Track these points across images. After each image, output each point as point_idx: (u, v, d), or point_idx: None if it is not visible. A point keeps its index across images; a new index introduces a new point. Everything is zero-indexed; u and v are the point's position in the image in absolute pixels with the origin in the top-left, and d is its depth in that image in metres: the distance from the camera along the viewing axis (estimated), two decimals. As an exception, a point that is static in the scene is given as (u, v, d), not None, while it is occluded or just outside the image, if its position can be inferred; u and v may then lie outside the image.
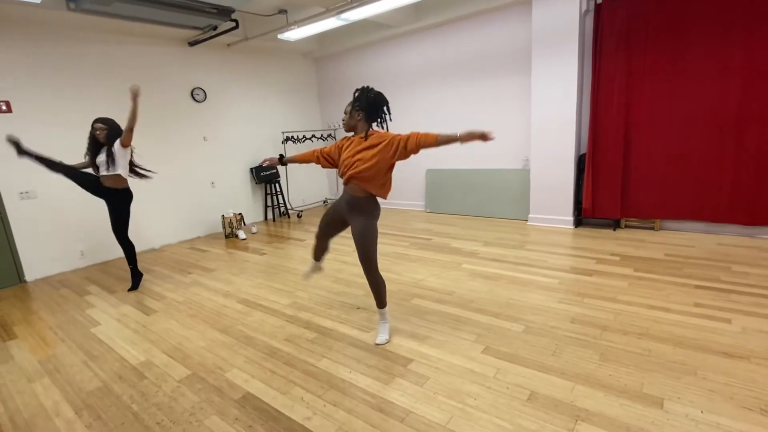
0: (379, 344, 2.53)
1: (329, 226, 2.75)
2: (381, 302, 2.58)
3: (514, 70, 5.15)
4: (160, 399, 2.15)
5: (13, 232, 4.21)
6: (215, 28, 4.91)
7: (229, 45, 5.90)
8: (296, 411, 1.97)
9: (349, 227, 2.59)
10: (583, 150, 4.80)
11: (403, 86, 6.29)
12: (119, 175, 3.63)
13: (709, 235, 4.23)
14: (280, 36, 5.22)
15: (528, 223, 5.18)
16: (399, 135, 2.33)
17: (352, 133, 2.50)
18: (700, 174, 4.12)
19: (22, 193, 4.25)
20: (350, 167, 2.40)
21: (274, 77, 6.72)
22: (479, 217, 5.75)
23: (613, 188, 4.55)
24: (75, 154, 4.58)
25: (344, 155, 2.46)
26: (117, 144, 3.58)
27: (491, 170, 5.63)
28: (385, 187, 2.49)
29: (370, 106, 2.36)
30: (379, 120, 2.42)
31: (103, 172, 3.61)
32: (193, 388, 2.22)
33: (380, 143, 2.34)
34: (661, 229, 4.54)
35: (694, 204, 4.22)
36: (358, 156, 2.38)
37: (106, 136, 3.58)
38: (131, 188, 3.79)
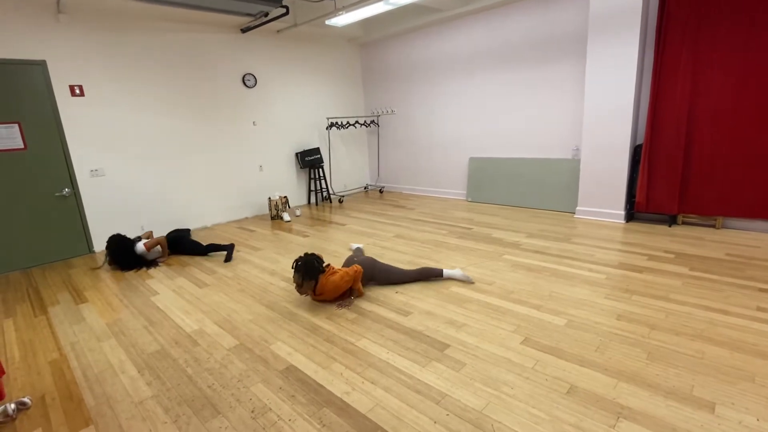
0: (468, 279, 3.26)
1: None
2: (436, 274, 3.30)
3: (567, 55, 4.91)
4: (212, 365, 2.32)
5: (84, 206, 4.61)
6: (267, 14, 5.04)
7: (278, 31, 6.04)
8: (336, 385, 2.06)
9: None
10: (640, 140, 4.53)
11: (449, 73, 6.18)
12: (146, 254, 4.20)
13: (779, 235, 3.89)
14: (327, 22, 5.27)
15: (575, 216, 4.99)
16: (339, 281, 2.91)
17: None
18: (773, 169, 3.78)
19: (92, 170, 4.62)
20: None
21: (321, 63, 6.82)
22: (523, 208, 5.60)
23: (671, 182, 4.27)
24: (138, 136, 4.93)
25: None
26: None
27: (538, 159, 5.45)
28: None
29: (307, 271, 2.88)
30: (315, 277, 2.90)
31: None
32: (240, 357, 2.37)
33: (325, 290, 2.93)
34: (723, 227, 4.22)
35: (762, 201, 3.88)
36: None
37: (110, 261, 4.18)
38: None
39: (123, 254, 4.06)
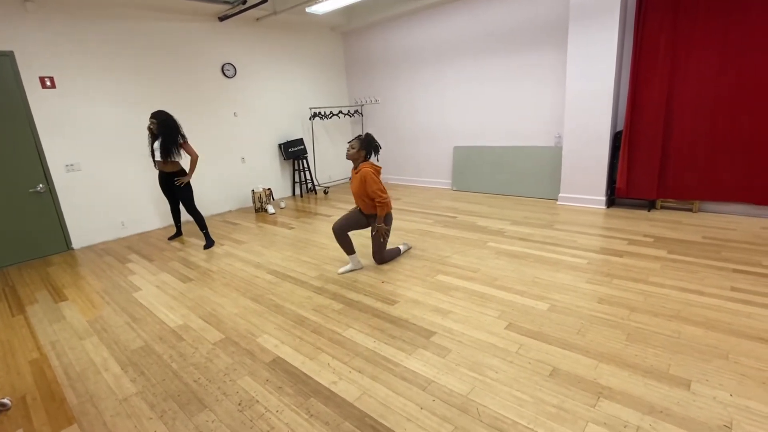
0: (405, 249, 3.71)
1: (351, 223, 3.39)
2: (398, 254, 3.64)
3: (548, 42, 4.93)
4: (197, 359, 2.30)
5: (60, 203, 4.48)
6: (245, 1, 4.92)
7: (258, 19, 5.91)
8: (323, 375, 2.07)
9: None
10: (620, 127, 4.60)
11: (433, 61, 6.15)
12: (174, 162, 4.18)
13: (753, 218, 4.01)
14: (308, 9, 5.18)
15: (558, 203, 5.06)
16: (373, 183, 3.19)
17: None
18: (748, 153, 3.88)
19: (67, 165, 4.49)
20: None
21: (302, 52, 6.71)
22: (507, 196, 5.66)
23: (650, 167, 4.36)
24: (114, 129, 4.80)
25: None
26: (180, 142, 4.11)
27: (521, 147, 5.49)
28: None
29: (368, 145, 3.29)
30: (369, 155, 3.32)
31: (157, 158, 4.13)
32: (226, 351, 2.36)
33: (360, 178, 3.24)
34: (700, 210, 4.34)
35: (739, 185, 3.99)
36: (356, 191, 3.31)
37: (157, 127, 4.02)
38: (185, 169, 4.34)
39: (170, 130, 4.03)
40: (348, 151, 3.29)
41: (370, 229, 3.43)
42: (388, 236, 3.41)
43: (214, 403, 1.93)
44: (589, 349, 2.13)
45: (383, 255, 3.46)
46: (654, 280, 2.85)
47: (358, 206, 3.44)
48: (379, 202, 3.22)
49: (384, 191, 3.23)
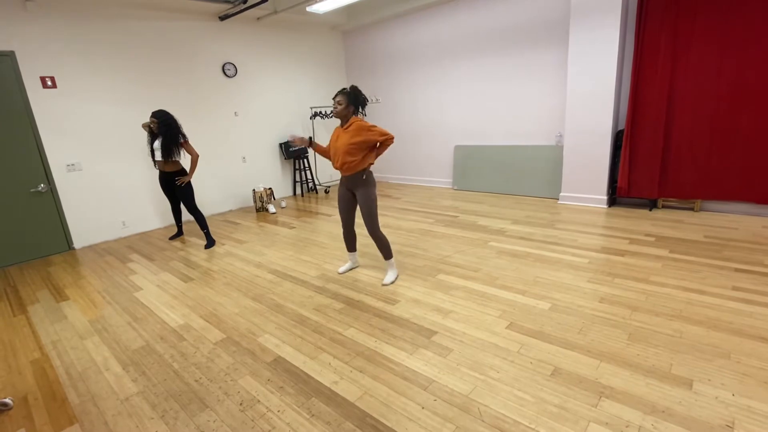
0: (385, 284, 3.08)
1: (347, 210, 3.17)
2: (387, 255, 3.12)
3: (549, 41, 4.92)
4: (198, 359, 2.30)
5: (61, 202, 4.49)
6: (245, 1, 4.91)
7: (258, 18, 5.91)
8: (324, 375, 2.07)
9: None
10: (621, 126, 4.59)
11: (434, 61, 6.14)
12: (174, 161, 4.17)
13: (755, 217, 4.00)
14: (308, 8, 5.17)
15: (559, 202, 5.05)
16: (373, 128, 2.91)
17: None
18: (749, 152, 3.87)
19: (68, 165, 4.49)
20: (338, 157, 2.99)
21: (303, 51, 6.70)
22: (508, 195, 5.65)
23: (651, 166, 4.35)
24: (115, 129, 4.80)
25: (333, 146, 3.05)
26: (181, 142, 4.11)
27: (522, 146, 5.48)
28: (365, 161, 2.98)
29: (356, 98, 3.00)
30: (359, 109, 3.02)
31: (158, 158, 4.13)
32: (228, 351, 2.36)
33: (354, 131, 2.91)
34: (701, 210, 4.33)
35: (740, 184, 3.98)
36: (342, 147, 2.94)
37: (158, 127, 4.01)
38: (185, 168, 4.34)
39: (172, 129, 4.01)
40: (335, 107, 2.96)
41: (360, 215, 3.20)
42: (376, 204, 3.04)
43: (216, 402, 1.93)
44: (591, 348, 2.13)
45: (375, 225, 3.03)
46: (655, 279, 2.84)
47: (341, 185, 3.12)
48: (388, 139, 2.97)
49: (386, 131, 2.97)
